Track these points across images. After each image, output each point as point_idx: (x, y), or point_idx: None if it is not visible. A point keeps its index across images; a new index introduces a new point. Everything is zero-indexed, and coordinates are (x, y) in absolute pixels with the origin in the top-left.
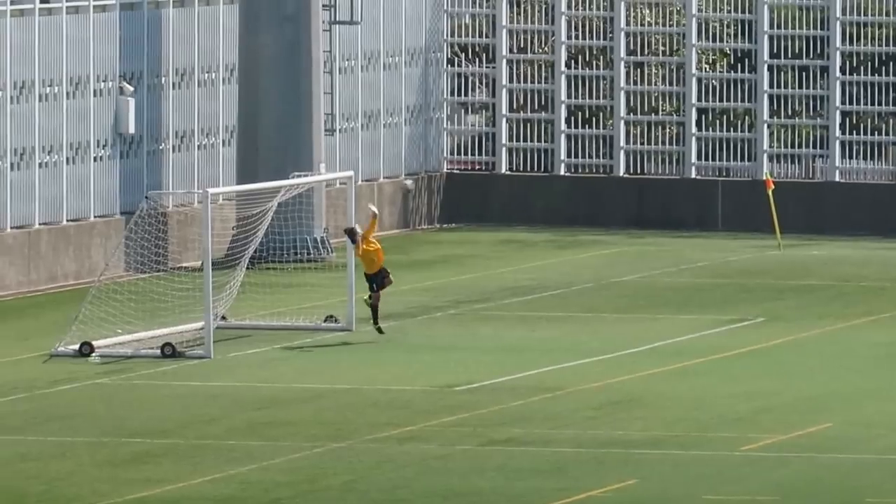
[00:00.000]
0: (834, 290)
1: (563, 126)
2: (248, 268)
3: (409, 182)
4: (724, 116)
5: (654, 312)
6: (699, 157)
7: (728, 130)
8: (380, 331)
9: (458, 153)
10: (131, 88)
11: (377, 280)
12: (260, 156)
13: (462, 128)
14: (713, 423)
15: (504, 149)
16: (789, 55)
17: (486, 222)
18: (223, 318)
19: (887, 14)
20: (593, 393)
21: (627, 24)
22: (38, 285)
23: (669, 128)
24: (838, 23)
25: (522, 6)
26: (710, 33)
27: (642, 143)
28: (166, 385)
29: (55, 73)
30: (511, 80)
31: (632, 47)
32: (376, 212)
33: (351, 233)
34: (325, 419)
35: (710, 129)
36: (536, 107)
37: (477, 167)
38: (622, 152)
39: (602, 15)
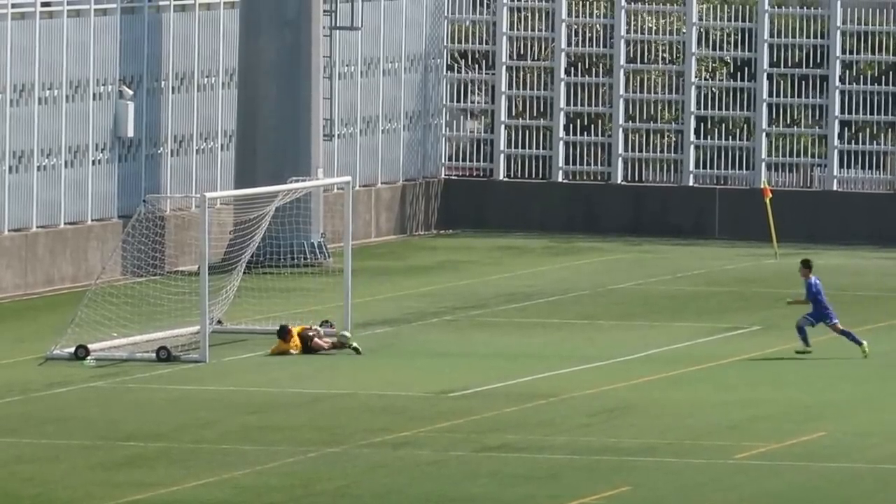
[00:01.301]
0: (830, 300)
1: (562, 133)
2: (244, 272)
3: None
4: (723, 125)
5: (650, 320)
6: (697, 166)
7: (726, 139)
8: (354, 347)
9: (457, 159)
10: (130, 92)
11: (308, 345)
12: (258, 160)
13: (460, 134)
14: (707, 430)
15: (502, 155)
16: (789, 64)
17: (484, 228)
18: (219, 322)
19: (887, 24)
20: (588, 400)
21: (628, 31)
22: (35, 288)
23: (668, 135)
24: (838, 32)
25: (523, 13)
26: (711, 41)
27: (640, 151)
28: (161, 389)
29: (55, 76)
30: (510, 87)
31: (631, 55)
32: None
33: (282, 330)
34: (320, 424)
35: (709, 137)
36: (535, 113)
37: (475, 173)
38: (620, 160)
39: (602, 22)
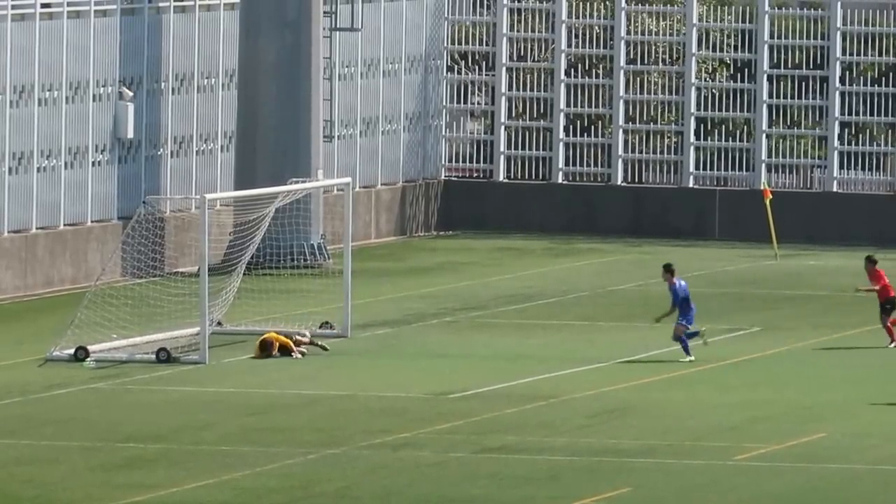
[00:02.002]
0: (830, 301)
1: (562, 134)
2: (244, 273)
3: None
4: (723, 126)
5: (650, 321)
6: (697, 167)
7: (727, 140)
8: (321, 345)
9: (457, 160)
10: (130, 93)
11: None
12: (258, 161)
13: (460, 135)
14: (707, 431)
15: (502, 156)
16: (789, 65)
17: (483, 230)
18: (219, 323)
19: (888, 25)
20: (588, 401)
21: (628, 32)
22: (35, 289)
23: (668, 137)
24: (839, 33)
25: (523, 14)
26: (711, 43)
27: (640, 152)
28: (161, 390)
29: (55, 77)
30: (510, 88)
31: (631, 56)
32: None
33: (264, 345)
34: (319, 425)
35: (709, 138)
36: (535, 115)
37: (475, 175)
38: (620, 161)
39: (602, 23)
